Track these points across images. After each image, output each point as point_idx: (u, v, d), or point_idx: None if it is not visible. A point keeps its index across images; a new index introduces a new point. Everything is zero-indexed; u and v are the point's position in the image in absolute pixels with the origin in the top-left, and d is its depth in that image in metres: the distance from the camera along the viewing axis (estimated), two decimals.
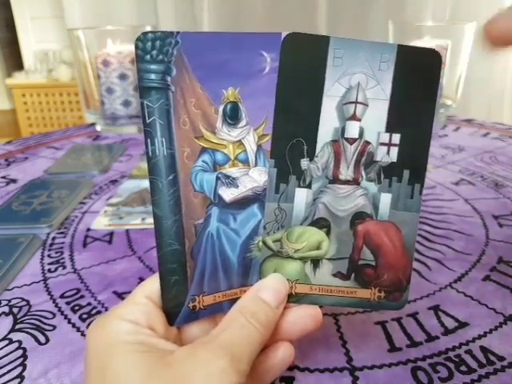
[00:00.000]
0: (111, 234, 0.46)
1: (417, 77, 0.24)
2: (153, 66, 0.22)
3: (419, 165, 0.24)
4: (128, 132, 0.82)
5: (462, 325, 0.32)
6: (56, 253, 0.42)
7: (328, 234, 0.25)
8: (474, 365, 0.28)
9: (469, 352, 0.29)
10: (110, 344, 0.21)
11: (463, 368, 0.28)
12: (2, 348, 0.30)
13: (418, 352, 0.29)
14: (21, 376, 0.28)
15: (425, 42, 0.78)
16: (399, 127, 0.24)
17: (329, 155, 0.24)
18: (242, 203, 0.25)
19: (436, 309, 0.33)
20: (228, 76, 0.23)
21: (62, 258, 0.41)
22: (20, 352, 0.30)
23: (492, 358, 0.28)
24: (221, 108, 0.23)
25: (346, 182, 0.25)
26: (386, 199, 0.25)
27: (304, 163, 0.24)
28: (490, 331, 0.31)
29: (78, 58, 0.80)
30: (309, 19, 1.41)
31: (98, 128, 0.84)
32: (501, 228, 0.45)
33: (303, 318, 0.24)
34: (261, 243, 0.25)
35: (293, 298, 0.25)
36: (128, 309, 0.23)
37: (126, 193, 0.55)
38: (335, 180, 0.25)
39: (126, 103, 0.80)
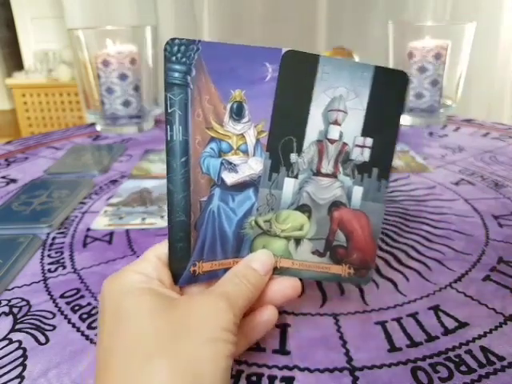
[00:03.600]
0: (111, 233, 0.46)
1: (389, 93, 0.28)
2: (177, 66, 0.26)
3: (386, 164, 0.29)
4: (128, 132, 0.82)
5: (462, 325, 0.32)
6: (56, 253, 0.42)
7: (309, 218, 0.29)
8: (474, 365, 0.28)
9: (469, 352, 0.29)
10: (123, 289, 0.24)
11: (463, 368, 0.28)
12: (2, 348, 0.30)
13: (418, 352, 0.29)
14: (21, 376, 0.28)
15: (425, 42, 0.78)
16: (372, 133, 0.29)
17: (314, 152, 0.29)
18: (240, 187, 0.29)
19: (436, 309, 0.33)
20: (236, 79, 0.27)
21: (62, 258, 0.41)
22: (20, 352, 0.30)
23: (492, 358, 0.28)
24: (229, 106, 0.28)
25: (327, 175, 0.29)
26: (358, 191, 0.29)
27: (293, 157, 0.29)
28: (490, 331, 0.31)
29: (78, 58, 0.80)
30: (309, 19, 1.41)
31: (98, 128, 0.84)
32: (501, 228, 0.45)
33: (285, 287, 0.29)
34: (253, 222, 0.29)
35: (277, 271, 0.29)
36: (141, 265, 0.26)
37: (126, 193, 0.55)
38: (318, 173, 0.29)
39: (126, 103, 0.80)
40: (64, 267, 0.40)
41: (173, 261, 0.27)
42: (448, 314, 0.33)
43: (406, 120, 0.84)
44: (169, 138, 0.26)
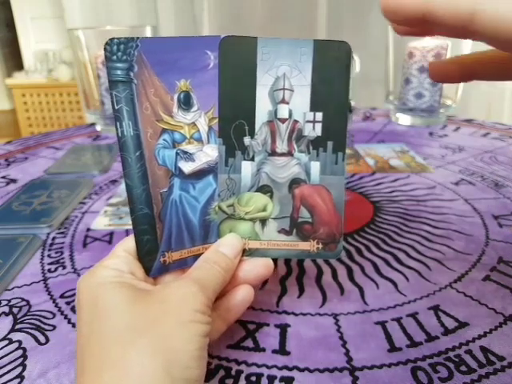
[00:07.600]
0: (111, 234, 0.46)
1: (331, 64, 0.28)
2: (118, 64, 0.26)
3: (340, 136, 0.29)
4: None
5: (462, 325, 0.31)
6: (56, 253, 0.42)
7: (271, 197, 0.30)
8: (474, 365, 0.28)
9: (469, 352, 0.29)
10: (99, 285, 0.25)
11: (463, 368, 0.28)
12: (2, 348, 0.30)
13: (418, 352, 0.29)
14: (21, 376, 0.28)
15: (425, 42, 0.78)
16: (321, 107, 0.29)
17: (266, 133, 0.29)
18: (199, 174, 0.29)
19: (436, 309, 0.33)
20: (180, 70, 0.28)
21: (62, 258, 0.41)
22: (20, 352, 0.30)
23: (492, 357, 0.28)
24: (176, 96, 0.28)
25: (282, 154, 0.30)
26: (315, 166, 0.29)
27: (246, 140, 0.29)
28: (490, 331, 0.31)
29: (78, 58, 0.80)
30: (309, 19, 1.41)
31: (98, 128, 0.84)
32: (501, 228, 0.45)
33: (257, 266, 0.29)
34: (217, 208, 0.30)
35: (247, 253, 0.30)
36: (111, 260, 0.27)
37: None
38: (273, 153, 0.30)
39: None
40: (64, 267, 0.40)
41: (141, 253, 0.28)
42: (448, 314, 0.33)
43: (406, 120, 0.84)
44: (120, 134, 0.27)
